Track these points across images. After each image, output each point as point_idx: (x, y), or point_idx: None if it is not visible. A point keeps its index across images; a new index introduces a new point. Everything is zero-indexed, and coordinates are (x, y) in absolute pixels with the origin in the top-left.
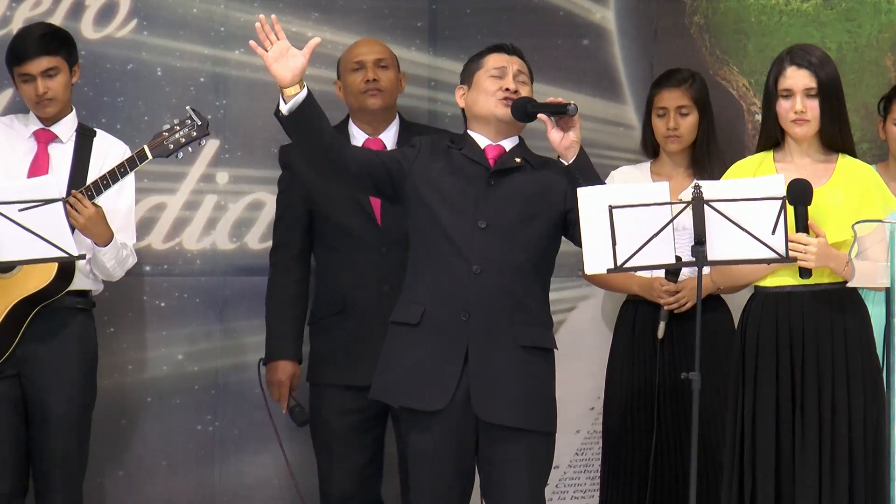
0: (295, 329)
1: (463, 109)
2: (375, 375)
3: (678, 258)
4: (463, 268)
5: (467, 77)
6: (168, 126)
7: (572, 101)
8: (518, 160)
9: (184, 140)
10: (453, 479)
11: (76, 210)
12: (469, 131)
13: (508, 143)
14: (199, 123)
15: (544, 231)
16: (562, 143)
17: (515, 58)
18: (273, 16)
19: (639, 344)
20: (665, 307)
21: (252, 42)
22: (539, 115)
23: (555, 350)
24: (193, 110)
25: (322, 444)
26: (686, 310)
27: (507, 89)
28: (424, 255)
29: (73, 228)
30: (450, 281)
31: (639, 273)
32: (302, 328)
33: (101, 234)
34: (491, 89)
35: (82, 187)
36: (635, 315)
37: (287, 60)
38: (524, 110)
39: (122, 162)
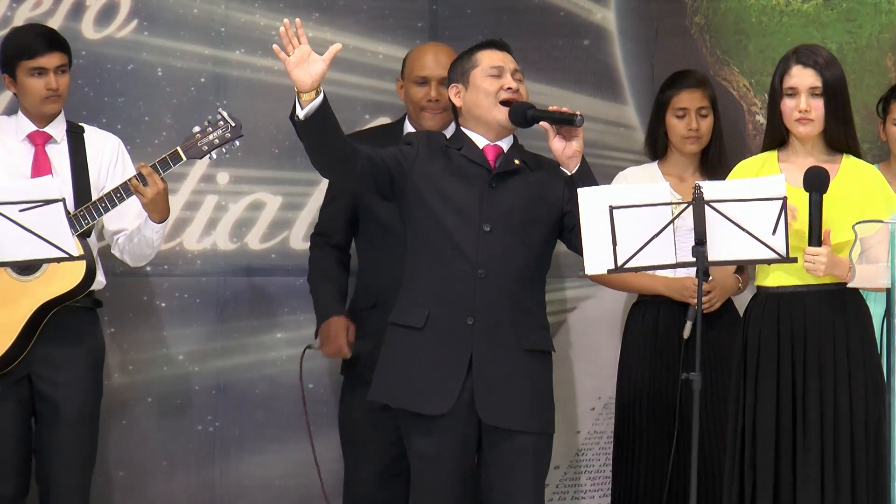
0: (340, 295)
1: (454, 107)
2: (376, 375)
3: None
4: (468, 271)
5: (461, 76)
6: (199, 128)
7: (579, 112)
8: (517, 162)
9: (217, 141)
10: (456, 481)
11: (145, 184)
12: (464, 129)
13: (505, 144)
14: (233, 125)
15: (545, 233)
16: (564, 152)
17: (508, 55)
18: (297, 20)
19: (661, 344)
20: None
21: (275, 46)
22: (541, 123)
23: (552, 352)
24: (225, 112)
25: (348, 440)
26: (714, 310)
27: (510, 88)
28: (426, 257)
29: (75, 230)
30: (455, 284)
31: (660, 273)
32: (345, 297)
33: (163, 210)
34: (491, 90)
35: (146, 164)
36: (657, 315)
37: (308, 66)
38: (523, 116)
39: (155, 163)
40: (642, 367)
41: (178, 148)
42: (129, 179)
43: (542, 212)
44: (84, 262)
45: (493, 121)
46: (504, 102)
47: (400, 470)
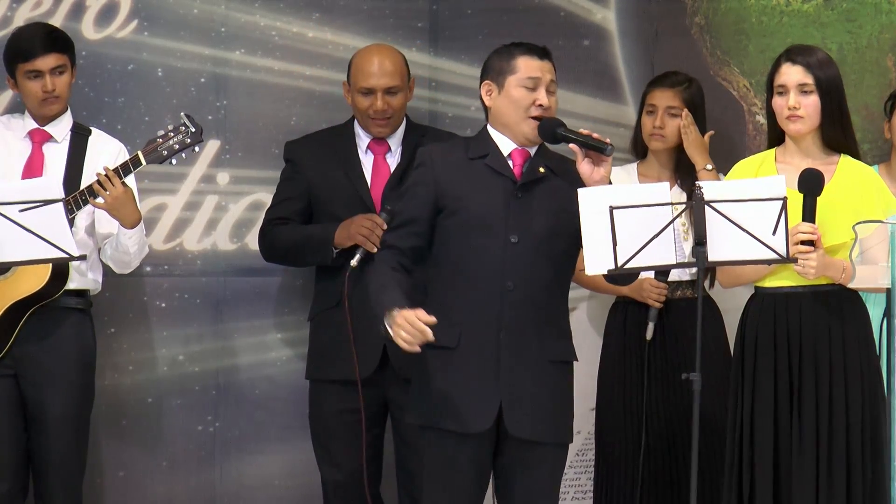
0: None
1: (485, 105)
2: (412, 398)
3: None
4: (496, 285)
5: (496, 77)
6: (162, 132)
7: (609, 140)
8: (542, 170)
9: (177, 147)
10: (471, 484)
11: (104, 188)
12: (491, 130)
13: (532, 148)
14: (193, 130)
15: (569, 243)
16: (592, 176)
17: (547, 64)
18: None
19: (629, 345)
20: (654, 307)
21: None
22: (570, 146)
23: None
24: (188, 116)
25: (321, 444)
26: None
27: (541, 105)
28: (454, 273)
29: (71, 226)
30: (484, 299)
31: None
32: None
33: (129, 214)
34: (523, 103)
35: (113, 168)
36: (625, 316)
37: None
38: (552, 134)
39: (117, 167)
40: (614, 368)
41: (139, 152)
42: (92, 183)
43: (566, 222)
44: (57, 262)
45: (520, 133)
46: (533, 117)
47: (374, 471)
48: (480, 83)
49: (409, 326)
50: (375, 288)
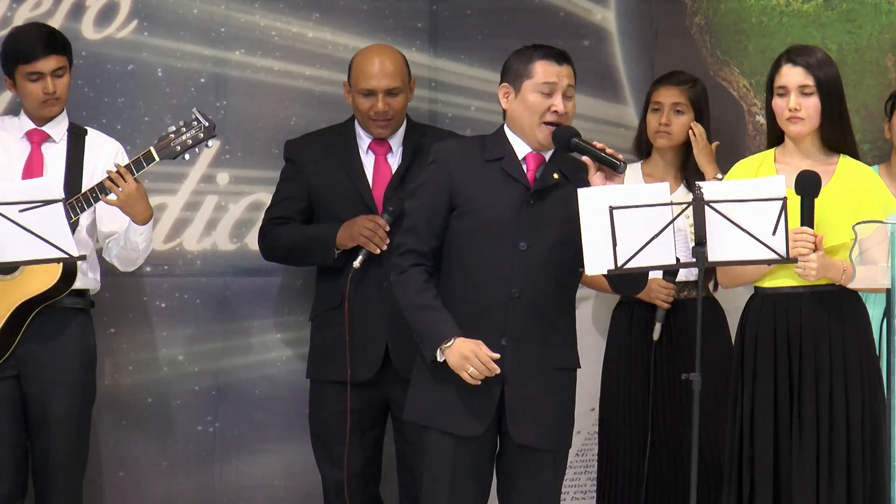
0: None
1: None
2: (410, 396)
3: (677, 259)
4: (502, 291)
5: (513, 80)
6: (174, 128)
7: (622, 157)
8: (556, 176)
9: (190, 142)
10: (470, 486)
11: (116, 184)
12: (508, 132)
13: (547, 153)
14: (206, 125)
15: (577, 252)
16: None
17: (566, 68)
18: None
19: (635, 345)
20: (661, 307)
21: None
22: (583, 158)
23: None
24: (199, 112)
25: (321, 444)
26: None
27: (556, 111)
28: (460, 275)
29: (73, 229)
30: (489, 304)
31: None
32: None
33: (142, 211)
34: (538, 109)
35: (125, 164)
36: (631, 316)
37: None
38: (566, 143)
39: (129, 163)
40: (619, 368)
41: (152, 148)
42: (103, 180)
43: (576, 232)
44: (57, 262)
45: (533, 139)
46: (548, 123)
47: (373, 472)
48: (500, 84)
49: (479, 363)
50: (415, 307)
